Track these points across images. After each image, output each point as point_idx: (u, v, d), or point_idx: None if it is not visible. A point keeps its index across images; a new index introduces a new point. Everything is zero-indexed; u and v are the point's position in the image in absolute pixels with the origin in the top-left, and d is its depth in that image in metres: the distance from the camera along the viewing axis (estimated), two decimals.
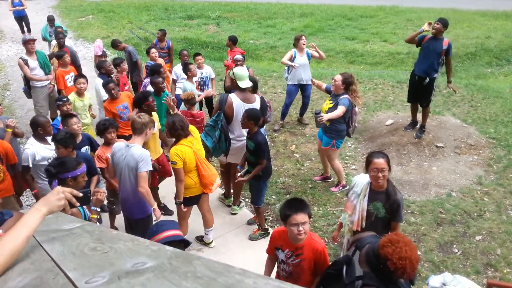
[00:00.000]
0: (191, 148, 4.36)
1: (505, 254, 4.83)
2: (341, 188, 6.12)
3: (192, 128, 4.56)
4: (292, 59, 7.35)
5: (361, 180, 3.74)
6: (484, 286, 3.75)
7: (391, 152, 6.86)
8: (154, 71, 6.66)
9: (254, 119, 4.73)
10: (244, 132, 5.07)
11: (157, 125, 5.44)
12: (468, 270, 4.62)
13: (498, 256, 4.82)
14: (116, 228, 5.26)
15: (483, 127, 7.49)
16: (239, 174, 4.99)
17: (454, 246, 5.00)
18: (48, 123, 4.86)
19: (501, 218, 5.41)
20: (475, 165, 6.53)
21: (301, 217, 2.90)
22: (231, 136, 5.16)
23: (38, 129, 4.76)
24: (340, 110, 5.41)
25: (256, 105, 5.10)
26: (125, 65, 7.34)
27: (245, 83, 5.11)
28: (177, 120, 4.34)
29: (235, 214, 5.64)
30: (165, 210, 5.52)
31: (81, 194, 1.72)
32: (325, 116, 5.41)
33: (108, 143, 4.84)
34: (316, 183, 6.30)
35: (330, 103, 5.64)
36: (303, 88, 7.65)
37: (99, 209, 3.56)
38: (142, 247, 1.22)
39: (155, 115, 5.59)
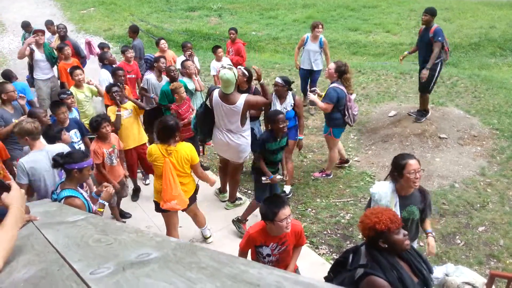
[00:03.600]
0: (164, 157, 4.16)
1: (508, 245, 4.83)
2: (324, 175, 6.20)
3: (182, 144, 4.30)
4: (304, 43, 7.81)
5: (383, 190, 3.45)
6: (487, 277, 3.76)
7: (394, 143, 6.85)
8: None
9: (270, 122, 4.64)
10: (235, 130, 4.99)
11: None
12: (471, 261, 4.63)
13: (501, 247, 4.83)
14: (124, 221, 5.31)
15: (487, 118, 7.46)
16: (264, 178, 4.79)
17: (457, 237, 5.00)
18: (44, 114, 4.82)
19: (504, 209, 5.41)
20: (478, 156, 6.51)
21: (287, 210, 3.07)
22: (218, 131, 5.14)
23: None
24: (323, 106, 5.55)
25: (239, 105, 4.82)
26: (129, 53, 7.17)
27: (225, 89, 4.84)
28: (165, 125, 4.16)
29: (227, 209, 5.60)
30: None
31: None
32: (311, 97, 5.67)
33: (104, 138, 4.81)
34: None
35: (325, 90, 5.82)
36: (311, 74, 8.04)
37: (106, 203, 3.58)
38: (146, 238, 1.23)
39: (129, 104, 5.57)
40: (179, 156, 4.20)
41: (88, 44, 8.67)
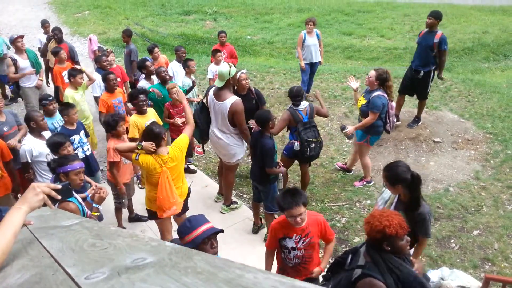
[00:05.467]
0: (161, 166, 4.03)
1: (502, 249, 4.85)
2: (364, 182, 6.09)
3: (175, 148, 4.16)
4: (303, 40, 8.19)
5: None
6: (482, 281, 3.77)
7: (388, 147, 6.88)
8: (141, 67, 6.52)
9: (258, 121, 4.68)
10: (226, 129, 5.09)
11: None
12: (465, 264, 4.65)
13: (496, 250, 4.85)
14: (123, 227, 5.25)
15: (480, 122, 7.51)
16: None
17: (452, 240, 5.02)
18: (41, 117, 4.77)
19: (498, 213, 5.44)
20: (472, 160, 6.55)
21: (296, 210, 3.05)
22: (212, 127, 5.30)
23: (31, 124, 4.68)
24: (370, 118, 5.41)
25: (226, 104, 4.93)
26: (111, 57, 7.15)
27: (217, 82, 5.07)
28: (149, 132, 4.03)
29: (223, 213, 5.60)
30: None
31: (59, 186, 1.66)
32: (351, 129, 5.49)
33: (119, 136, 4.81)
34: (314, 179, 6.30)
35: (364, 99, 5.58)
36: (312, 66, 8.45)
37: (100, 207, 3.56)
38: (141, 242, 1.22)
39: (151, 111, 5.60)
40: (174, 159, 4.10)
41: (90, 40, 8.67)
